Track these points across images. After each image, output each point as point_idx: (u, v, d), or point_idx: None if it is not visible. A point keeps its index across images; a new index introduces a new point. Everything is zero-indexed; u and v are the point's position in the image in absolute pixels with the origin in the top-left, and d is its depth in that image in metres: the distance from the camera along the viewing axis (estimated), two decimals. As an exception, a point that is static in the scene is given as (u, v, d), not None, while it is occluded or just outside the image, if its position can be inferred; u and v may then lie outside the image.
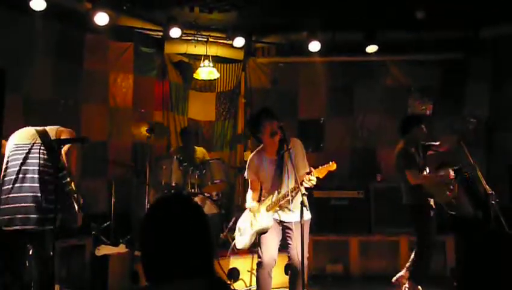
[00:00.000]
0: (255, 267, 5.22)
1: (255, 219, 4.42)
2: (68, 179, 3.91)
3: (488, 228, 5.18)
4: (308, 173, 4.15)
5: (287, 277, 5.85)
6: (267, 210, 4.35)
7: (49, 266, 3.84)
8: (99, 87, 7.01)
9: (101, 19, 6.23)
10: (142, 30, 7.40)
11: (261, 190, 4.54)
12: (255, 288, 5.16)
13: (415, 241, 5.43)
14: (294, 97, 7.99)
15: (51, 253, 3.84)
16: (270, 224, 4.35)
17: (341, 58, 7.82)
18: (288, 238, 4.39)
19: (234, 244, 4.84)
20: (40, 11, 5.80)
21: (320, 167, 4.21)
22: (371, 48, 7.24)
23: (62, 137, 3.94)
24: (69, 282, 5.24)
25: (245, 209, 4.67)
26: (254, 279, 5.35)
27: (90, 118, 6.82)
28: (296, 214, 4.16)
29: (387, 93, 7.76)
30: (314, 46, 7.26)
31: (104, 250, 5.45)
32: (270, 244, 4.39)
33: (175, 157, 6.32)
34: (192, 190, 6.20)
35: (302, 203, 3.89)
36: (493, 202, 4.74)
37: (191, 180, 6.25)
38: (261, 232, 4.39)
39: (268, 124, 4.27)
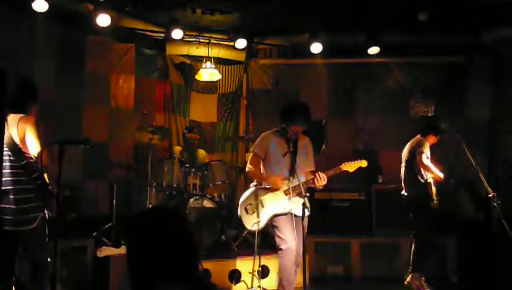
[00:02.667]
0: (256, 269, 5.22)
1: (274, 200, 4.46)
2: (40, 173, 3.74)
3: (489, 230, 5.19)
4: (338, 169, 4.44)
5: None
6: (286, 194, 4.44)
7: (41, 269, 3.81)
8: (100, 88, 7.01)
9: (103, 20, 6.25)
10: (144, 31, 7.42)
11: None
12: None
13: (414, 238, 5.63)
14: (296, 99, 7.96)
15: (45, 254, 3.83)
16: (290, 209, 4.42)
17: (343, 60, 7.83)
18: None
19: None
20: (42, 13, 5.81)
21: (350, 162, 4.47)
22: (373, 50, 7.25)
23: (26, 127, 3.76)
24: (70, 283, 5.23)
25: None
26: (256, 281, 5.34)
27: (92, 119, 6.82)
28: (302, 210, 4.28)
29: (388, 95, 7.76)
30: (316, 47, 7.28)
31: (105, 251, 5.44)
32: (291, 231, 4.39)
33: (176, 158, 6.33)
34: (194, 191, 6.20)
35: (303, 204, 3.91)
36: (495, 204, 4.74)
37: (193, 181, 6.25)
38: (277, 215, 4.45)
39: (298, 126, 4.47)
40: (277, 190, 4.48)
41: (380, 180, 7.08)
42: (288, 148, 4.42)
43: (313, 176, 4.45)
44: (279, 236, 4.42)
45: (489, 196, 4.82)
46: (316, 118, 7.90)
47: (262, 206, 4.50)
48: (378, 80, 7.81)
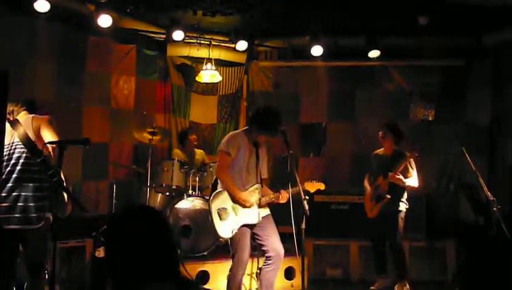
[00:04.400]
0: (255, 270, 5.21)
1: (248, 209, 4.37)
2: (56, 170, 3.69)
3: (489, 234, 5.18)
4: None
5: (289, 282, 5.87)
6: (260, 206, 4.39)
7: (40, 271, 3.79)
8: (101, 89, 7.02)
9: (104, 21, 6.26)
10: (145, 33, 7.42)
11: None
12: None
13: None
14: (296, 101, 8.00)
15: (45, 254, 3.82)
16: (259, 221, 4.39)
17: (343, 63, 7.84)
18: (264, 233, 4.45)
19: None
20: (43, 13, 5.82)
21: (312, 183, 4.47)
22: (373, 53, 7.25)
23: (41, 124, 3.81)
24: (69, 283, 5.22)
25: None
26: (254, 283, 5.34)
27: (92, 120, 6.83)
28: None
29: (388, 98, 7.75)
30: (317, 50, 7.29)
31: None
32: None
33: (176, 159, 6.34)
34: (193, 192, 6.20)
35: (303, 208, 3.90)
36: (495, 208, 4.74)
37: (192, 182, 6.25)
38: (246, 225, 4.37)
39: (266, 136, 4.42)
40: (246, 206, 4.35)
41: (380, 184, 7.06)
42: (256, 153, 4.44)
43: (271, 192, 4.47)
44: (236, 247, 4.33)
45: (489, 200, 4.82)
46: (316, 120, 7.99)
47: (236, 214, 4.34)
48: (379, 83, 7.81)
